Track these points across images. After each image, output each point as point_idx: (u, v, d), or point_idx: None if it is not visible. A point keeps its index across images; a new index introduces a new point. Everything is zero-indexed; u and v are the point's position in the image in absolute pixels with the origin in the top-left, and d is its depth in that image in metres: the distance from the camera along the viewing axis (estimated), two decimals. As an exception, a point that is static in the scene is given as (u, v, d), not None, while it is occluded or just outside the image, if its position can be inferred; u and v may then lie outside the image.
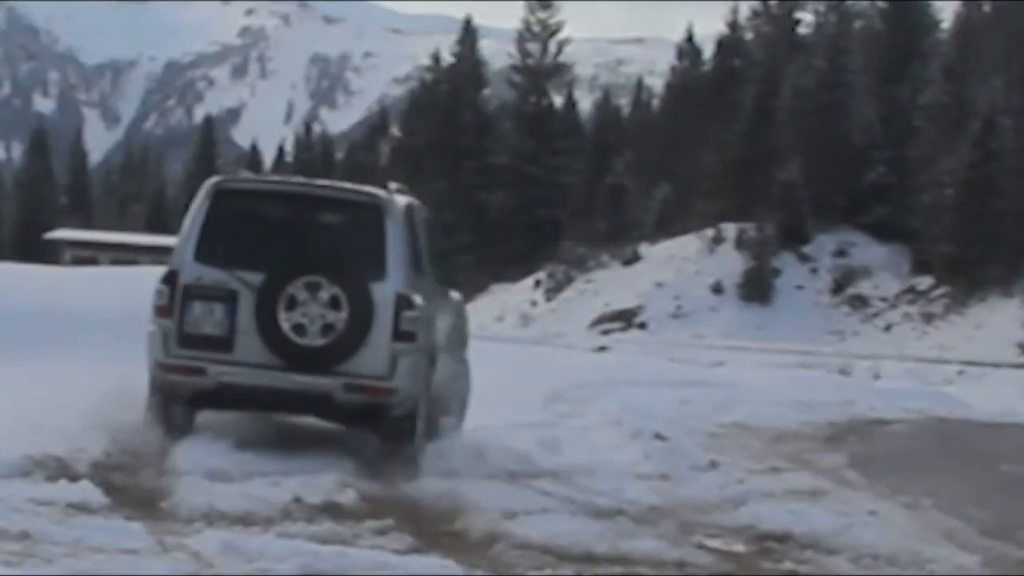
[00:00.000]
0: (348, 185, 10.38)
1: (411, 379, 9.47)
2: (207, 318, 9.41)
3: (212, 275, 9.44)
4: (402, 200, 10.03)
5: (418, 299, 9.58)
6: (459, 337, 11.75)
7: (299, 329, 9.29)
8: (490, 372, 12.50)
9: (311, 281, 9.30)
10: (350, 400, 9.36)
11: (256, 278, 9.33)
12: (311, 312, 9.30)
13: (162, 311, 9.46)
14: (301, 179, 10.63)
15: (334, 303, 9.31)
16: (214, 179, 10.05)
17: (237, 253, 9.52)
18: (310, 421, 10.50)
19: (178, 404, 9.63)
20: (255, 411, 10.09)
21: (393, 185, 10.33)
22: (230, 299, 9.38)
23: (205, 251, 9.51)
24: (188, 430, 9.60)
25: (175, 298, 9.43)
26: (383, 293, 9.39)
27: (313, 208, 9.80)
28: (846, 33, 65.67)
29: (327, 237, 9.72)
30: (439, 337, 10.43)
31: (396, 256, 9.53)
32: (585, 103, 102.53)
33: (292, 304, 9.29)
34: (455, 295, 11.90)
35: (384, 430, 9.60)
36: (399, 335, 9.38)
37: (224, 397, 9.54)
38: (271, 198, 10.05)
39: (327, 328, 9.30)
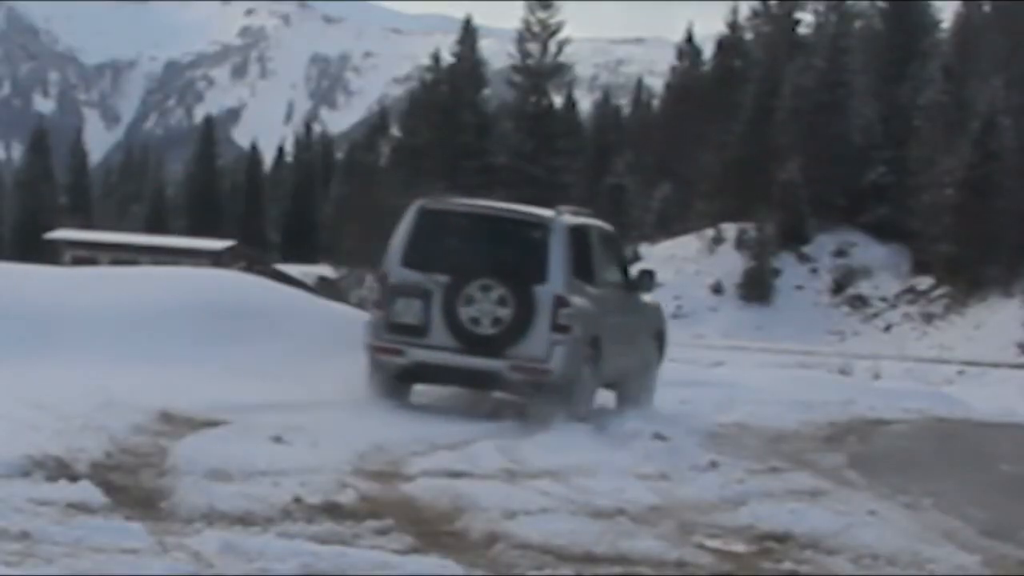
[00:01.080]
0: (523, 207, 12.67)
1: (565, 362, 11.70)
2: (408, 310, 11.83)
3: (413, 277, 11.85)
4: (570, 221, 12.21)
5: (575, 299, 11.78)
6: (650, 334, 14.28)
7: (474, 321, 11.66)
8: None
9: (484, 283, 11.63)
10: (515, 378, 11.70)
11: (445, 280, 11.68)
12: (484, 308, 11.64)
13: (376, 304, 12.15)
14: (488, 203, 12.71)
15: (502, 301, 11.62)
16: (421, 201, 12.37)
17: (433, 260, 11.89)
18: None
19: (391, 379, 12.04)
20: (443, 385, 12.48)
21: (564, 208, 12.52)
22: (426, 296, 11.78)
23: (409, 258, 11.93)
24: (404, 399, 12.18)
25: (385, 295, 11.95)
26: (544, 294, 11.65)
27: (494, 225, 12.21)
28: (846, 33, 65.72)
29: (501, 248, 12.01)
30: (620, 333, 12.83)
31: (557, 265, 11.75)
32: (585, 103, 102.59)
33: (469, 301, 11.64)
34: (652, 302, 14.62)
35: (546, 400, 11.63)
36: (556, 327, 11.64)
37: (419, 373, 12.06)
38: (462, 217, 12.31)
39: (496, 321, 11.64)
